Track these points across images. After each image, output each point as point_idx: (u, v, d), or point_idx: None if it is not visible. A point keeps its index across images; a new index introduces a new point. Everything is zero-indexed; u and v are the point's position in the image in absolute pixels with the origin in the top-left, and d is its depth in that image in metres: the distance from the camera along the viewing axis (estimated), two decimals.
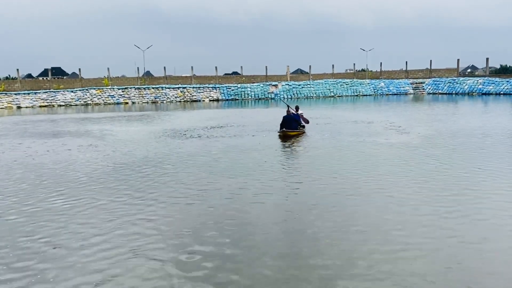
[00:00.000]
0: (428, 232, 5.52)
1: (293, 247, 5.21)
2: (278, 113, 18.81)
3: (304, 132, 15.28)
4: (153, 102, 44.15)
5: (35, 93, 42.82)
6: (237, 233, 5.66)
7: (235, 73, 74.13)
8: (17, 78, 47.62)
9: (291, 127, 14.81)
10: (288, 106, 15.99)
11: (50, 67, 58.27)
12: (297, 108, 16.46)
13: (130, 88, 45.49)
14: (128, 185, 8.31)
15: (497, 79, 45.30)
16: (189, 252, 5.09)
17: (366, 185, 7.86)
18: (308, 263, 4.74)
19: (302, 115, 16.28)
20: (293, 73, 66.47)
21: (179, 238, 5.55)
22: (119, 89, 44.99)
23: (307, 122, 16.36)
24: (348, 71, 62.76)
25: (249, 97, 46.65)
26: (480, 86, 45.04)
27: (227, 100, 45.70)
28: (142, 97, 44.83)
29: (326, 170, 9.25)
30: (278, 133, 14.73)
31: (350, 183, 8.03)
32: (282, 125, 14.86)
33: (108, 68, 47.95)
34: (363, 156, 10.81)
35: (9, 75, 69.78)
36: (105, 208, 6.88)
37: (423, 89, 49.49)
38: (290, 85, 48.15)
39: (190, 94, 46.09)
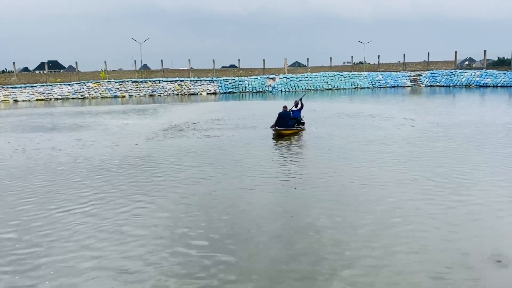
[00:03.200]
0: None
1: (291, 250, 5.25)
2: (276, 107, 18.77)
3: (302, 130, 14.33)
4: (151, 96, 44.01)
5: (32, 86, 42.60)
6: (232, 231, 5.70)
7: (232, 66, 73.85)
8: (13, 72, 47.34)
9: (287, 125, 13.60)
10: (299, 101, 15.03)
11: (46, 61, 57.73)
12: (296, 104, 15.26)
13: (127, 81, 45.29)
14: (127, 181, 8.34)
15: (495, 71, 45.32)
16: (181, 252, 5.13)
17: (367, 183, 7.91)
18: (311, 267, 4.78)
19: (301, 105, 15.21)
20: (291, 66, 66.30)
21: (172, 237, 5.59)
22: (116, 82, 44.81)
23: (302, 106, 15.16)
24: (346, 64, 62.55)
25: (247, 90, 46.55)
26: (478, 79, 45.06)
27: (224, 93, 45.59)
28: (140, 90, 44.68)
29: (324, 167, 9.30)
30: (272, 131, 13.85)
31: (351, 176, 8.09)
32: (277, 122, 13.75)
33: (105, 62, 47.66)
34: (363, 151, 10.86)
35: (6, 69, 69.44)
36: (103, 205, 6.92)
37: (420, 81, 49.47)
38: (288, 78, 48.04)
39: (188, 87, 45.96)
